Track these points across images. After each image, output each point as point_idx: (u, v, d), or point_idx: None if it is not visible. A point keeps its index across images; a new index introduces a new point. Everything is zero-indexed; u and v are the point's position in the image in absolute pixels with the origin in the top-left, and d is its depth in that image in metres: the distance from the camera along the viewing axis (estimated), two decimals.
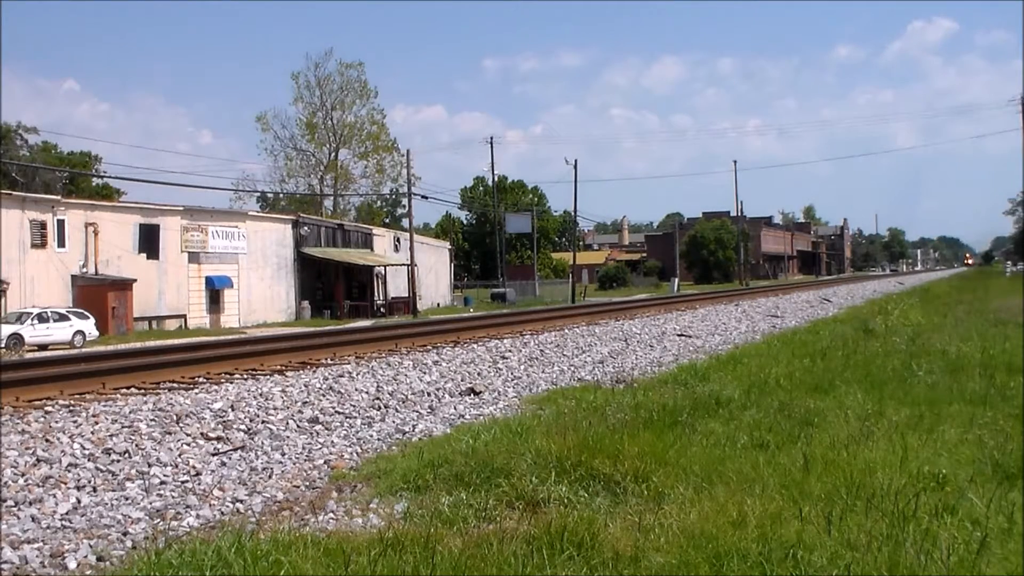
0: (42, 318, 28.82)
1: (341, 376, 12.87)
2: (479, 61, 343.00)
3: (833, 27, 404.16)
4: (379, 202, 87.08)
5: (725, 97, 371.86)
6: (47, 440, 8.23)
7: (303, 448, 8.66)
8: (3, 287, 31.99)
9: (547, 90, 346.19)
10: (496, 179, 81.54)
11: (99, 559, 5.46)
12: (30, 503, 6.59)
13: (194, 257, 39.95)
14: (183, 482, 7.35)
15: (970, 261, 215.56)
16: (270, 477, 7.58)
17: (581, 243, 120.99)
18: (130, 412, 9.50)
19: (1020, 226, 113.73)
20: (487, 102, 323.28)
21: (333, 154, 72.95)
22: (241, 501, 6.78)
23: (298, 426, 9.56)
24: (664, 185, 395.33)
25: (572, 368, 15.15)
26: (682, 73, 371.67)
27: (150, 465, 7.71)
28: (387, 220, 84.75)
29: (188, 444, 8.47)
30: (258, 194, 74.76)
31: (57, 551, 5.55)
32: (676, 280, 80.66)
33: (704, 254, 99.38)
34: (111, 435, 8.47)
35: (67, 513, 6.43)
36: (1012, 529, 5.18)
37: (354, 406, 10.76)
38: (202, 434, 8.82)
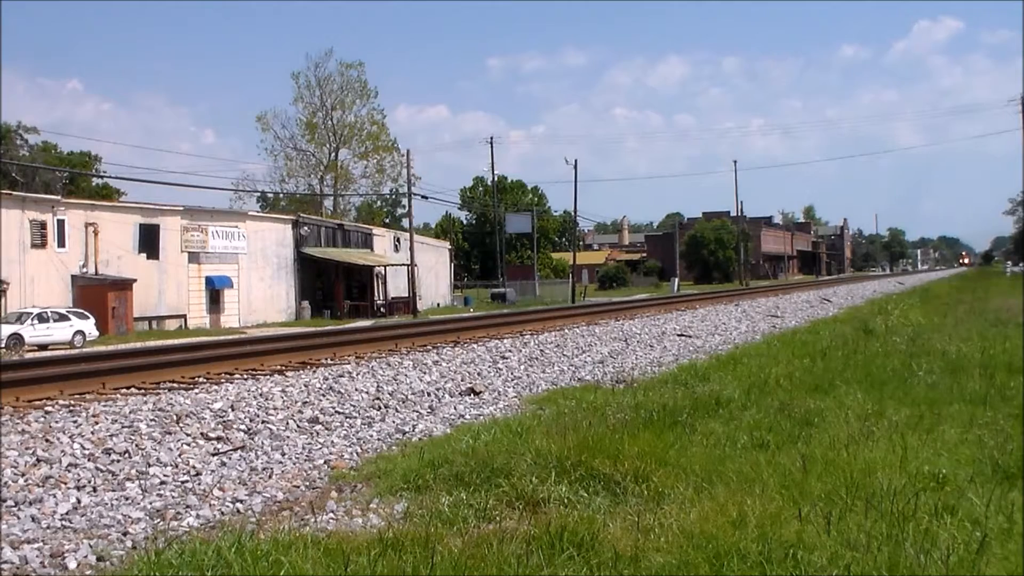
0: (42, 318, 28.82)
1: (341, 376, 12.87)
2: (483, 60, 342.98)
3: (838, 27, 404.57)
4: (379, 202, 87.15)
5: (729, 97, 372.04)
6: (47, 440, 8.23)
7: (303, 448, 8.66)
8: (3, 287, 31.99)
9: (550, 89, 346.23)
10: (496, 179, 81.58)
11: (99, 559, 5.46)
12: (30, 503, 6.59)
13: (194, 257, 39.95)
14: (183, 482, 7.35)
15: (966, 260, 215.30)
16: (270, 477, 7.58)
17: (581, 243, 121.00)
18: (130, 412, 9.50)
19: (1020, 226, 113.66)
20: (490, 101, 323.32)
21: (333, 154, 72.98)
22: (241, 501, 6.78)
23: (298, 426, 9.56)
24: (665, 185, 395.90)
25: (572, 368, 15.16)
26: (686, 72, 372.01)
27: (150, 465, 7.72)
28: (387, 220, 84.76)
29: (188, 444, 8.47)
30: (258, 194, 74.80)
31: (57, 551, 5.55)
32: (676, 280, 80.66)
33: (704, 254, 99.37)
34: (111, 435, 8.47)
35: (67, 513, 6.43)
36: (1012, 529, 5.18)
37: (354, 406, 10.76)
38: (202, 434, 8.82)
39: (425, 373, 13.62)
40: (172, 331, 36.26)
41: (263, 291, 43.55)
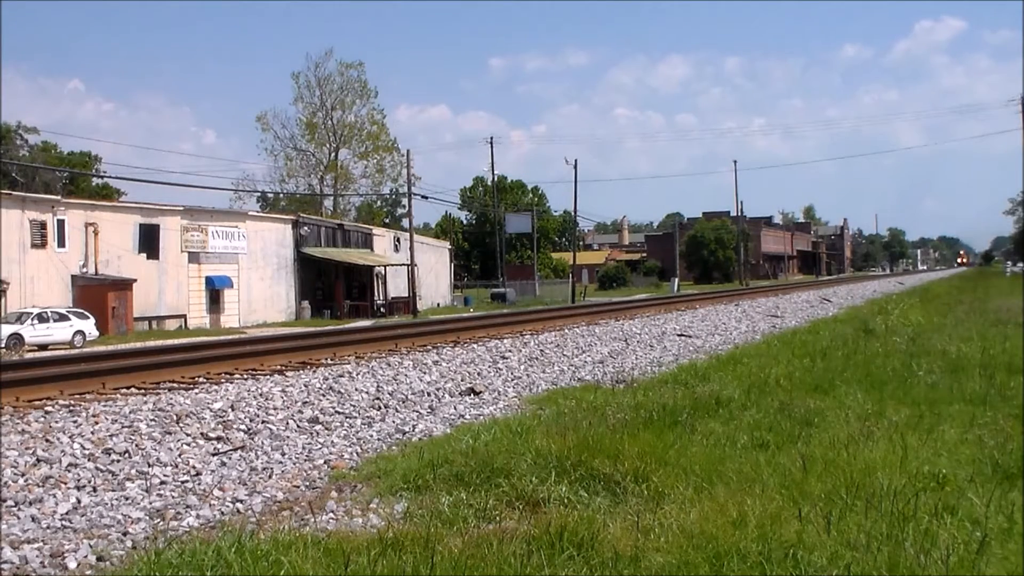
0: (42, 318, 28.82)
1: (341, 376, 12.86)
2: (485, 60, 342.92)
3: (840, 26, 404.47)
4: (379, 202, 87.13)
5: (730, 97, 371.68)
6: (47, 440, 8.23)
7: (303, 448, 8.66)
8: (3, 287, 31.99)
9: (552, 89, 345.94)
10: (496, 179, 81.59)
11: (99, 559, 5.46)
12: (30, 503, 6.60)
13: (194, 257, 39.95)
14: (183, 482, 7.35)
15: (963, 260, 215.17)
16: (270, 477, 7.58)
17: (581, 243, 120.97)
18: (130, 412, 9.50)
19: (1020, 226, 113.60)
20: (491, 101, 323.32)
21: (333, 154, 73.00)
22: (241, 501, 6.78)
23: (298, 426, 9.57)
24: (666, 185, 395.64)
25: (572, 368, 15.15)
26: (688, 72, 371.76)
27: (150, 465, 7.72)
28: (387, 220, 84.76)
29: (188, 444, 8.47)
30: (258, 194, 74.86)
31: (57, 551, 5.55)
32: (676, 280, 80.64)
33: (704, 254, 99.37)
34: (111, 435, 8.47)
35: (67, 513, 6.43)
36: (1012, 529, 5.18)
37: (354, 406, 10.76)
38: (202, 434, 8.82)
39: (425, 373, 13.62)
40: (172, 331, 36.25)
41: (263, 291, 43.55)
